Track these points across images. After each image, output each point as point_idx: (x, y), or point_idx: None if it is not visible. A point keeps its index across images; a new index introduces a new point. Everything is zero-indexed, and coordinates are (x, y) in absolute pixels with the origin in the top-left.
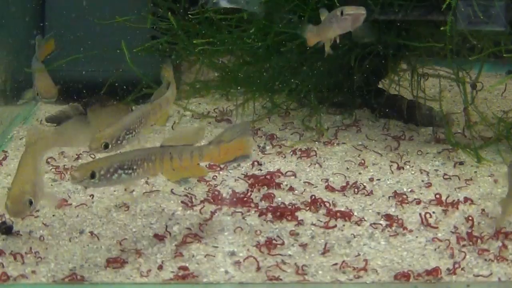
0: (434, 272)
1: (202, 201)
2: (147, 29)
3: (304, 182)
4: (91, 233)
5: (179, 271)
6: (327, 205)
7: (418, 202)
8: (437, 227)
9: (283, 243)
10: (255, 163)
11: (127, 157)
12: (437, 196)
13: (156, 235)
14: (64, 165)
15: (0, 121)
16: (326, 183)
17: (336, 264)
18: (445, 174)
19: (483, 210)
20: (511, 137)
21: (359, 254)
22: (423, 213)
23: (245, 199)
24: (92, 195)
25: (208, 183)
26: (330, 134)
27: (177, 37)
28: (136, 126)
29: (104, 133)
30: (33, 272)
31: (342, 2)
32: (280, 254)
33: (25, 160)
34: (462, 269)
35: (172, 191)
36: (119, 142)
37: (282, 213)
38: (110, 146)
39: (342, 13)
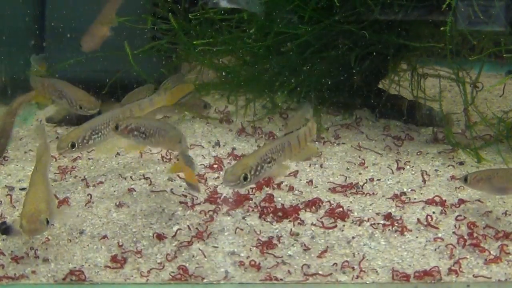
0: (433, 272)
1: (203, 202)
2: (148, 30)
3: (305, 182)
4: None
5: (179, 271)
6: (327, 205)
7: (418, 202)
8: (437, 227)
9: (283, 243)
10: None
11: None
12: (437, 196)
13: (156, 235)
14: (63, 165)
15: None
16: (326, 183)
17: (335, 264)
18: (445, 174)
19: (483, 210)
20: (511, 137)
21: (359, 254)
22: (423, 214)
23: (245, 200)
24: (90, 195)
25: (207, 183)
26: (330, 134)
27: (178, 37)
28: (103, 128)
29: (71, 134)
30: (33, 272)
31: (342, 2)
32: (280, 255)
33: (35, 176)
34: (462, 269)
35: (172, 191)
36: (85, 142)
37: (283, 213)
38: (76, 145)
39: None
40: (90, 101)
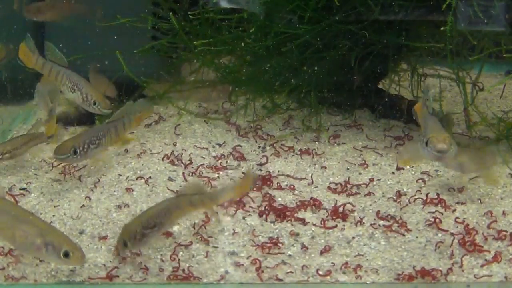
0: (433, 272)
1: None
2: (148, 30)
3: (305, 182)
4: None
5: (179, 271)
6: (327, 205)
7: (418, 202)
8: (437, 227)
9: (283, 243)
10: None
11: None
12: (437, 196)
13: None
14: (64, 165)
15: (0, 121)
16: (326, 183)
17: (335, 264)
18: (445, 174)
19: (483, 210)
20: (511, 137)
21: (359, 254)
22: (423, 214)
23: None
24: (90, 196)
25: (209, 183)
26: (330, 134)
27: (178, 37)
28: (99, 138)
29: (69, 142)
30: (33, 272)
31: (342, 2)
32: (280, 255)
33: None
34: (462, 269)
35: (172, 190)
36: (85, 150)
37: (283, 213)
38: (78, 151)
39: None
40: (106, 100)
